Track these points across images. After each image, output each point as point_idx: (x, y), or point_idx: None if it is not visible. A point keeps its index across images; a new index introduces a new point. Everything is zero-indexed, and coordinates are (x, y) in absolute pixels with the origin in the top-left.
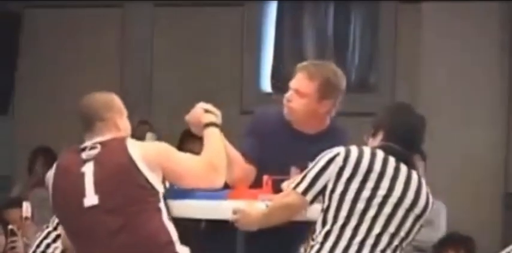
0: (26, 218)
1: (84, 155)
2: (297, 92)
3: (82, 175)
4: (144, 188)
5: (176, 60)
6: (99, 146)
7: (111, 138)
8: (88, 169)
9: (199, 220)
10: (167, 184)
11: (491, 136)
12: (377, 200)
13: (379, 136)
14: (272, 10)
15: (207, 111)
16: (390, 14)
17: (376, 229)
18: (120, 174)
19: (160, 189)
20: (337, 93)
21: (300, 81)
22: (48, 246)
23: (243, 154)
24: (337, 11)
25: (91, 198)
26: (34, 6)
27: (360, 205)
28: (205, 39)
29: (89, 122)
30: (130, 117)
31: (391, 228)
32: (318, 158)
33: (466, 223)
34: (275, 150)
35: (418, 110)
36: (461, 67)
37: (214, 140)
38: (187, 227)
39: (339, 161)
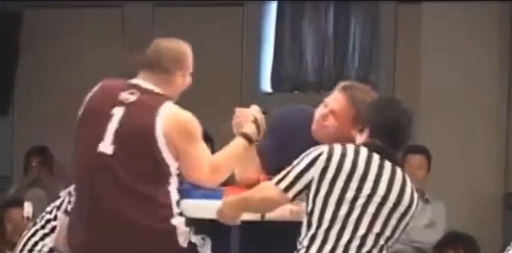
0: (28, 218)
1: (122, 96)
2: (332, 111)
3: (109, 117)
4: (155, 159)
5: None
6: (138, 94)
7: (156, 92)
8: (117, 114)
9: (210, 220)
10: None
11: (492, 136)
12: (361, 201)
13: (365, 133)
14: (272, 10)
15: (255, 121)
16: (390, 14)
17: (361, 230)
18: (139, 137)
19: (172, 164)
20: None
21: (338, 103)
22: (35, 243)
23: (260, 152)
24: (337, 11)
25: (106, 146)
26: (34, 6)
27: (344, 207)
28: (205, 39)
29: (149, 66)
30: None
31: (376, 228)
32: (301, 156)
33: (466, 223)
34: (292, 157)
35: (418, 109)
36: (462, 67)
37: (234, 149)
38: (198, 226)
39: (321, 161)
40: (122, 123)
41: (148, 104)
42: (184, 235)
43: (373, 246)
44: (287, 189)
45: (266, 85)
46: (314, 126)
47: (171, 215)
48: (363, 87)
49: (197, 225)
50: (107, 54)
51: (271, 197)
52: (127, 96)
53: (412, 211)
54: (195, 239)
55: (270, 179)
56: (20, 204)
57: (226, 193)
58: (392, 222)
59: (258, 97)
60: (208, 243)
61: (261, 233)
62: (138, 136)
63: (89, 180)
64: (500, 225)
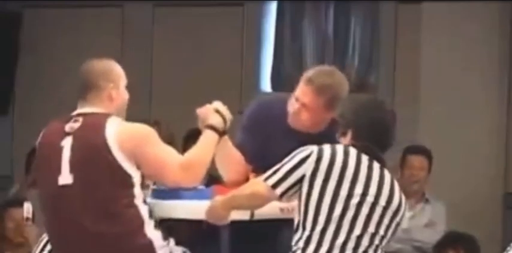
0: (27, 219)
1: (67, 127)
2: (303, 105)
3: (61, 149)
4: (115, 172)
5: (176, 60)
6: (81, 120)
7: (97, 112)
8: (67, 144)
9: (200, 221)
10: (151, 185)
11: (492, 136)
12: (354, 201)
13: (349, 135)
14: (272, 10)
15: (217, 111)
16: (390, 14)
17: (356, 231)
18: (93, 155)
19: (134, 174)
20: (341, 101)
21: (307, 96)
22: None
23: (239, 149)
24: (337, 11)
25: (65, 178)
26: (34, 6)
27: (338, 207)
28: (205, 39)
29: (83, 88)
30: (130, 116)
31: (371, 228)
32: (292, 155)
33: (466, 223)
34: (274, 148)
35: (418, 109)
36: (462, 67)
37: (203, 143)
38: (188, 228)
39: (311, 162)
40: (73, 150)
41: (94, 124)
42: (162, 249)
43: (369, 246)
44: (275, 185)
45: (266, 85)
46: (290, 120)
47: (143, 229)
48: (326, 72)
49: (182, 230)
50: (107, 54)
51: (260, 193)
52: (71, 125)
53: (402, 212)
54: (176, 251)
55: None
56: (21, 204)
57: (215, 192)
58: (385, 221)
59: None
60: None
61: (251, 233)
62: (91, 155)
63: (57, 214)
64: (500, 225)
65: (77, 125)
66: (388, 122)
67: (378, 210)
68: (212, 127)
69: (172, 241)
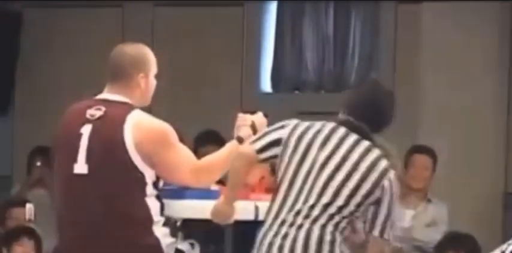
0: (29, 220)
1: (88, 114)
2: None
3: (79, 136)
4: (129, 170)
5: (176, 60)
6: (103, 109)
7: (121, 101)
8: (85, 132)
9: (205, 221)
10: (161, 184)
11: (492, 136)
12: (314, 169)
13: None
14: (272, 10)
15: (253, 126)
16: (390, 15)
17: (310, 201)
18: (109, 150)
19: (148, 173)
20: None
21: None
22: None
23: None
24: (337, 11)
25: (81, 167)
26: (34, 6)
27: (299, 178)
28: (205, 39)
29: (112, 73)
30: None
31: (325, 199)
32: (273, 126)
33: (466, 223)
34: None
35: (418, 110)
36: (462, 67)
37: (225, 153)
38: (194, 227)
39: (285, 133)
40: (91, 140)
41: (114, 117)
42: (170, 246)
43: (320, 215)
44: (260, 151)
45: (266, 85)
46: None
47: (151, 228)
48: None
49: (189, 229)
50: (107, 54)
51: (246, 151)
52: (93, 113)
53: (374, 179)
54: (183, 246)
55: (275, 180)
56: (23, 204)
57: (222, 192)
58: (345, 192)
59: (258, 97)
60: (197, 248)
61: (255, 234)
62: (108, 151)
63: (68, 202)
64: (500, 225)
65: (98, 114)
66: (384, 102)
67: (338, 179)
68: (240, 140)
69: (180, 236)
